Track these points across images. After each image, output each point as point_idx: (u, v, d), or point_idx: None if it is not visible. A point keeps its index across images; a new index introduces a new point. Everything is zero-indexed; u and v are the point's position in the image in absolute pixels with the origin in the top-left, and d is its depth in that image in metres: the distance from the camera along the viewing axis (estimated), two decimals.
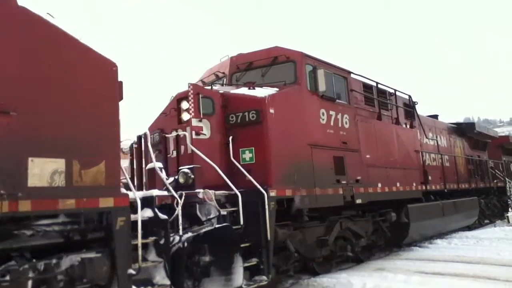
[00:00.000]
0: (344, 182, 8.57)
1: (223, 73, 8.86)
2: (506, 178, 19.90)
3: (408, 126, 12.33)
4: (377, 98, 10.87)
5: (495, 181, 19.30)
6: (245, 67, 8.63)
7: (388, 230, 10.50)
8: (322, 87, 8.28)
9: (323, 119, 8.41)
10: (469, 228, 15.97)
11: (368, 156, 9.57)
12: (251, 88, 7.56)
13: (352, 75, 9.81)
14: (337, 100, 8.92)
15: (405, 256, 10.69)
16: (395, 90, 11.79)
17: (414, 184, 11.37)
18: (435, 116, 16.88)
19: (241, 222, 6.20)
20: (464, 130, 17.52)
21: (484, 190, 17.89)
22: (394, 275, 8.05)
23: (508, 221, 18.41)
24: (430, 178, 12.35)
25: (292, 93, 7.81)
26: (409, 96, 12.61)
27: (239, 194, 6.28)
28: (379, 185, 9.77)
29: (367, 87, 10.92)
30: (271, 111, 7.19)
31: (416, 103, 13.66)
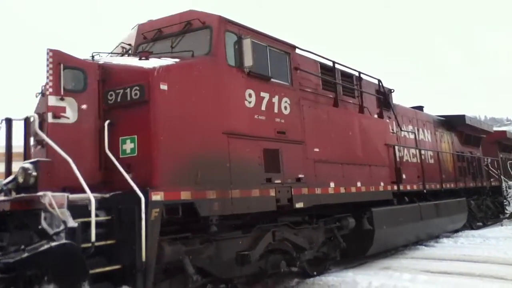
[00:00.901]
0: (278, 181, 6.80)
1: (130, 44, 7.10)
2: (502, 177, 17.99)
3: (378, 116, 10.51)
4: (334, 80, 9.06)
5: (491, 180, 17.46)
6: (153, 36, 6.86)
7: (348, 239, 8.69)
8: (248, 61, 6.51)
9: (249, 102, 6.64)
10: (457, 231, 14.23)
11: (317, 149, 7.79)
12: (143, 58, 5.79)
13: (298, 51, 8.01)
14: (272, 79, 7.13)
15: (410, 255, 10.59)
16: (360, 73, 9.93)
17: (382, 184, 9.56)
18: (420, 108, 15.06)
19: (93, 238, 4.44)
20: (453, 123, 15.69)
21: (476, 190, 16.09)
22: (400, 274, 8.00)
23: None
24: (404, 176, 10.51)
25: (199, 66, 6.00)
26: (379, 81, 10.74)
27: (92, 199, 4.53)
28: (332, 185, 7.99)
29: (325, 69, 9.14)
30: (163, 87, 5.41)
31: (392, 90, 11.87)
